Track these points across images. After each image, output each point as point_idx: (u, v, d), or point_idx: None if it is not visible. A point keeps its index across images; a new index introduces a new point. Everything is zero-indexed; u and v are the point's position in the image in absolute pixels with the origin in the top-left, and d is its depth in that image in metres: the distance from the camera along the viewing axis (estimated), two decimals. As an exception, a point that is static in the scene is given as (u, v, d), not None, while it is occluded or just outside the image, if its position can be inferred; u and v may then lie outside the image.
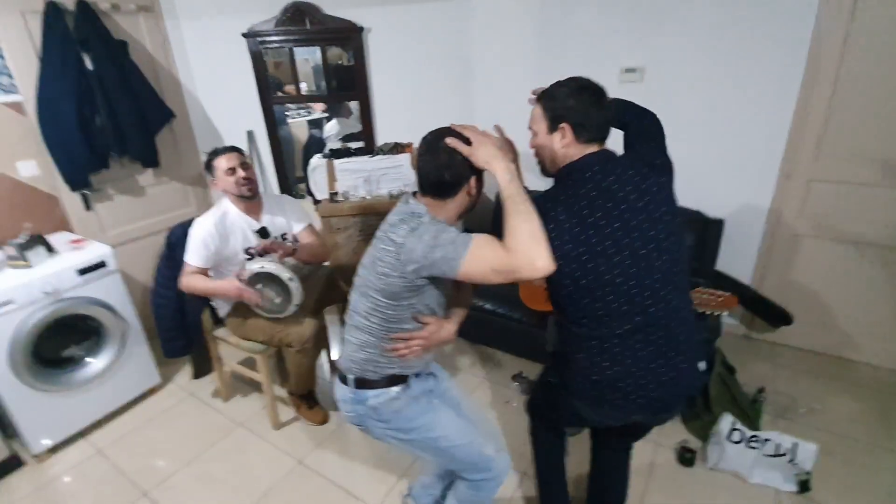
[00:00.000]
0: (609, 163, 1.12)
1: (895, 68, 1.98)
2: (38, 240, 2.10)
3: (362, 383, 1.32)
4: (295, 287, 1.91)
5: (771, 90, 2.22)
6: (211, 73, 2.90)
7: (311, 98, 3.17)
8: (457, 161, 1.15)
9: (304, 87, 3.37)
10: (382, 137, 3.17)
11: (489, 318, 2.47)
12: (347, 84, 3.13)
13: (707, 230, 2.37)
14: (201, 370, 2.32)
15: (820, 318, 2.46)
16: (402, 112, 3.12)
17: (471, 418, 1.45)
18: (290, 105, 3.30)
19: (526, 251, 1.04)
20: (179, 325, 2.16)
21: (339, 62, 3.09)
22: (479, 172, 1.19)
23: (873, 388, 2.27)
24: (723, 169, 2.46)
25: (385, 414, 1.32)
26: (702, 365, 1.22)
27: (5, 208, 2.28)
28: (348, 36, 2.90)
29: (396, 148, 2.99)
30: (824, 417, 2.11)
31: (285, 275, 1.89)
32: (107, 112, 2.37)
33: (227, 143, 2.07)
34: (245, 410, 2.36)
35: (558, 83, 1.17)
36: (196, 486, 1.97)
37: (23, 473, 2.08)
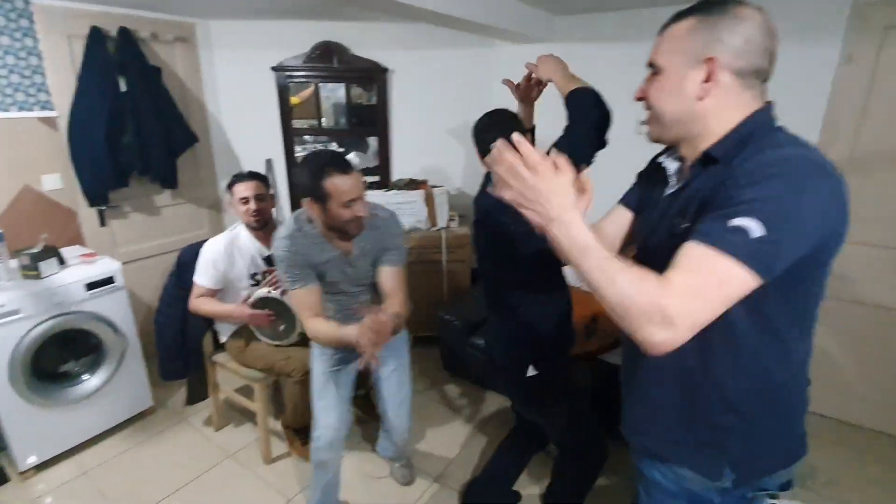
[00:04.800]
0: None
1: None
2: (51, 251, 2.12)
3: None
4: (300, 315, 1.88)
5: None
6: (237, 102, 2.99)
7: (333, 132, 3.28)
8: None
9: (323, 121, 3.49)
10: (398, 174, 3.22)
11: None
12: (366, 122, 3.21)
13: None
14: (196, 395, 2.26)
15: (839, 383, 2.36)
16: (418, 151, 3.18)
17: (340, 397, 1.69)
18: (307, 138, 3.42)
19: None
20: (179, 346, 2.13)
21: (360, 101, 3.20)
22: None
23: (894, 460, 2.15)
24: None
25: None
26: (530, 369, 1.48)
27: (25, 219, 2.32)
28: (373, 75, 3.01)
29: (412, 184, 3.02)
30: (843, 489, 1.99)
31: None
32: (135, 132, 2.44)
33: (246, 170, 2.10)
34: (236, 441, 2.28)
35: None
36: (178, 519, 1.88)
37: (4, 490, 2.01)
